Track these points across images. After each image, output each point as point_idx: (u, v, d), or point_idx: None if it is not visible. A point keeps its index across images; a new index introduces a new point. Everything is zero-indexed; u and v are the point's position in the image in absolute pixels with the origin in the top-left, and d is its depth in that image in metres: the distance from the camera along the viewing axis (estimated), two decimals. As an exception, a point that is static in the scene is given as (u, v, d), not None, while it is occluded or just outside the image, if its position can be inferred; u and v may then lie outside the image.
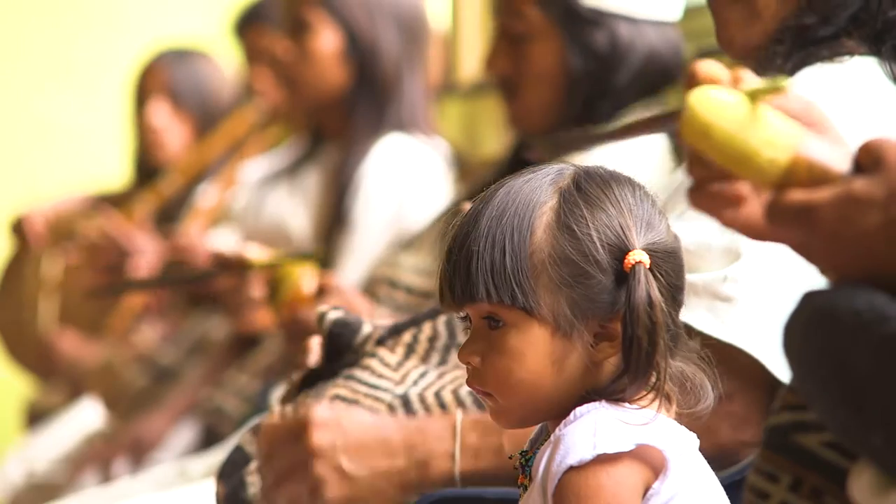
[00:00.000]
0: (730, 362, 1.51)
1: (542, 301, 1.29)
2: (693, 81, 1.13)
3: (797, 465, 1.22)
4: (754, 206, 1.14)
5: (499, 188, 1.33)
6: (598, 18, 2.22)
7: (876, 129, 1.12)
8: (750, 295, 1.56)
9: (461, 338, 1.73)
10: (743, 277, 1.56)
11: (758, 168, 1.11)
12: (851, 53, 1.67)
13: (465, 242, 1.31)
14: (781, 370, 1.54)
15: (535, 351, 1.30)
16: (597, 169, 1.34)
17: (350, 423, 1.65)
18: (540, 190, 1.31)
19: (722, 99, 1.11)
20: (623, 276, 1.30)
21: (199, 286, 3.08)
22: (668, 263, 1.32)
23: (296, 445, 1.65)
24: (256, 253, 2.28)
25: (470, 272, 1.29)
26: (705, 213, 1.15)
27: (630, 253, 1.30)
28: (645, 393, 1.31)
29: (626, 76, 2.22)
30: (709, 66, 1.14)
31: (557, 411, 1.32)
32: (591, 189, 1.32)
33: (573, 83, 2.22)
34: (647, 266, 1.30)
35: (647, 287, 1.29)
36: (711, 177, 1.13)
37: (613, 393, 1.31)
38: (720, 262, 1.56)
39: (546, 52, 2.23)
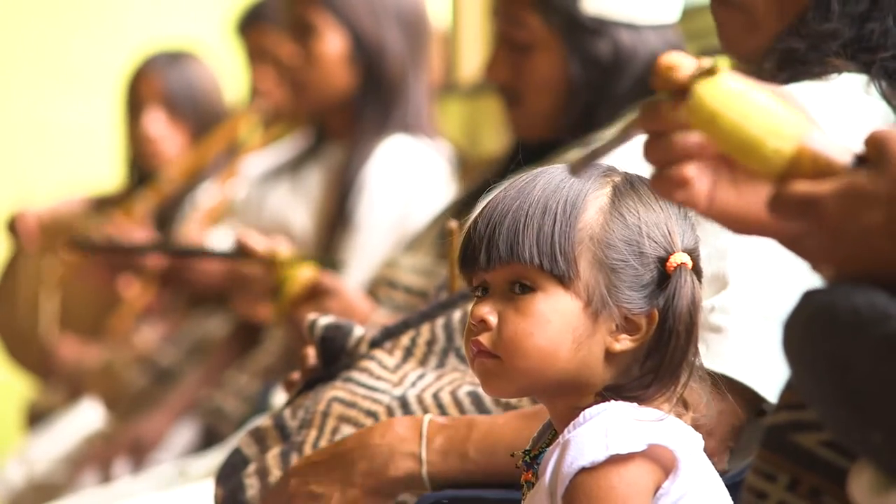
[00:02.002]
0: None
1: (582, 275, 1.31)
2: (659, 74, 1.14)
3: (795, 464, 1.22)
4: (740, 198, 1.15)
5: (541, 171, 1.35)
6: (601, 27, 2.21)
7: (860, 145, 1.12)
8: (739, 324, 1.57)
9: (459, 341, 1.73)
10: (732, 307, 1.57)
11: (763, 157, 1.11)
12: (840, 71, 1.67)
13: (512, 207, 1.32)
14: (773, 395, 1.55)
15: (562, 321, 1.31)
16: (639, 175, 1.37)
17: (316, 454, 1.67)
18: (592, 179, 1.34)
19: (729, 88, 1.12)
20: (663, 276, 1.32)
21: (215, 262, 3.08)
22: (696, 277, 1.35)
23: (278, 500, 1.67)
24: (282, 249, 2.28)
25: (517, 233, 1.31)
26: (666, 199, 1.16)
27: (677, 253, 1.33)
28: (662, 394, 1.33)
29: (628, 83, 2.22)
30: (673, 57, 1.14)
31: (554, 390, 1.34)
32: (642, 189, 1.35)
33: (575, 91, 2.22)
34: (690, 265, 1.33)
35: (693, 288, 1.33)
36: (667, 160, 1.14)
37: (634, 390, 1.32)
38: (708, 291, 1.56)
39: (548, 61, 2.22)
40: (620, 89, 2.21)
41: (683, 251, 1.34)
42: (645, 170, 1.39)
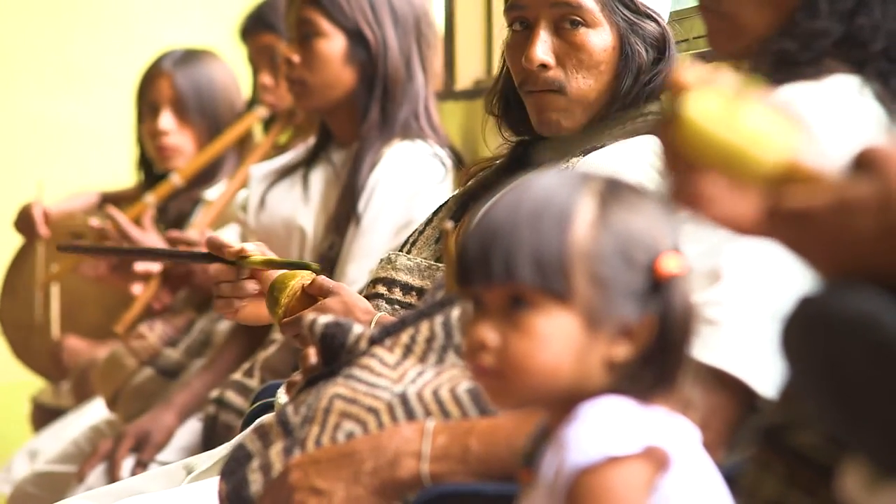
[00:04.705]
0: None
1: (578, 291, 1.32)
2: (676, 87, 1.15)
3: (790, 461, 1.25)
4: (744, 204, 1.17)
5: (527, 181, 1.36)
6: (648, 11, 2.20)
7: (853, 147, 1.14)
8: (733, 318, 1.59)
9: (458, 339, 1.75)
10: (725, 300, 1.59)
11: (753, 171, 1.13)
12: (832, 72, 1.68)
13: (505, 225, 1.33)
14: (767, 389, 1.57)
15: (562, 338, 1.32)
16: (618, 178, 1.37)
17: (320, 452, 1.69)
18: (576, 186, 1.35)
19: (717, 102, 1.13)
20: (655, 280, 1.33)
21: (183, 265, 3.09)
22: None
23: (279, 493, 1.69)
24: (254, 249, 2.26)
25: (512, 254, 1.32)
26: (689, 210, 1.18)
27: (663, 257, 1.33)
28: (663, 394, 1.34)
29: (664, 73, 2.20)
30: (689, 72, 1.16)
31: (561, 402, 1.34)
32: (625, 194, 1.35)
33: (628, 76, 2.18)
34: (683, 272, 1.34)
35: (685, 291, 1.34)
36: (689, 173, 1.16)
37: (635, 393, 1.33)
38: (703, 286, 1.58)
39: (603, 44, 2.20)
40: (656, 80, 2.20)
41: (670, 251, 1.34)
42: (639, 173, 1.41)
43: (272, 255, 2.24)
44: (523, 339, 1.32)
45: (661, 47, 2.20)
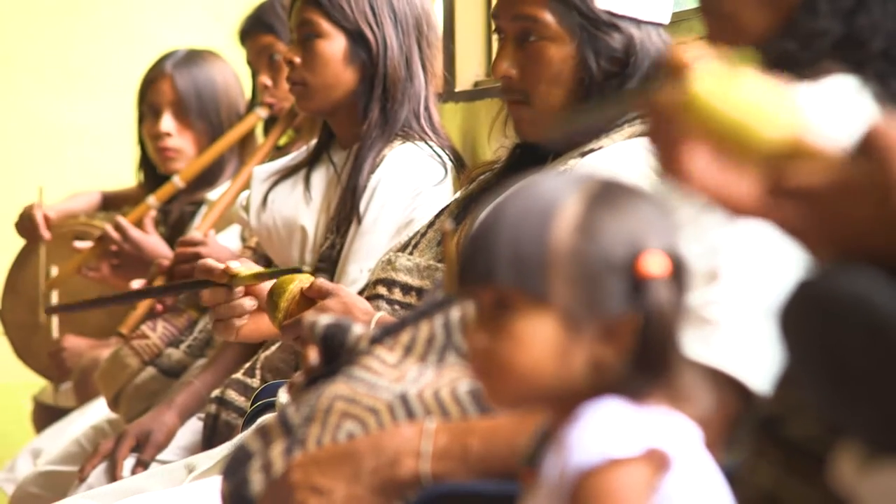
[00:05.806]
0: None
1: (557, 292, 1.32)
2: (677, 67, 1.16)
3: (787, 451, 1.26)
4: (744, 185, 1.17)
5: (525, 183, 1.36)
6: (613, 21, 2.22)
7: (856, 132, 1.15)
8: (730, 317, 1.59)
9: (458, 338, 1.76)
10: (723, 300, 1.60)
11: (756, 147, 1.13)
12: (830, 73, 1.69)
13: (488, 228, 1.34)
14: (763, 387, 1.57)
15: (542, 340, 1.32)
16: (615, 180, 1.38)
17: (321, 452, 1.70)
18: (566, 187, 1.35)
19: (722, 78, 1.14)
20: (637, 280, 1.32)
21: (187, 265, 3.11)
22: (681, 275, 1.36)
23: (280, 492, 1.70)
24: (239, 266, 2.27)
25: (493, 254, 1.32)
26: (667, 179, 1.19)
27: (644, 256, 1.33)
28: (656, 391, 1.34)
29: (639, 78, 2.22)
30: (688, 51, 1.17)
31: (561, 403, 1.35)
32: (616, 195, 1.35)
33: (589, 87, 2.22)
34: (665, 273, 1.33)
35: (665, 292, 1.33)
36: (668, 141, 1.17)
37: (626, 392, 1.33)
38: (701, 286, 1.58)
39: (560, 55, 2.23)
40: (632, 85, 2.22)
41: (658, 251, 1.34)
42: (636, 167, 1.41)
43: (258, 268, 2.26)
44: (505, 341, 1.33)
45: (623, 58, 2.22)
